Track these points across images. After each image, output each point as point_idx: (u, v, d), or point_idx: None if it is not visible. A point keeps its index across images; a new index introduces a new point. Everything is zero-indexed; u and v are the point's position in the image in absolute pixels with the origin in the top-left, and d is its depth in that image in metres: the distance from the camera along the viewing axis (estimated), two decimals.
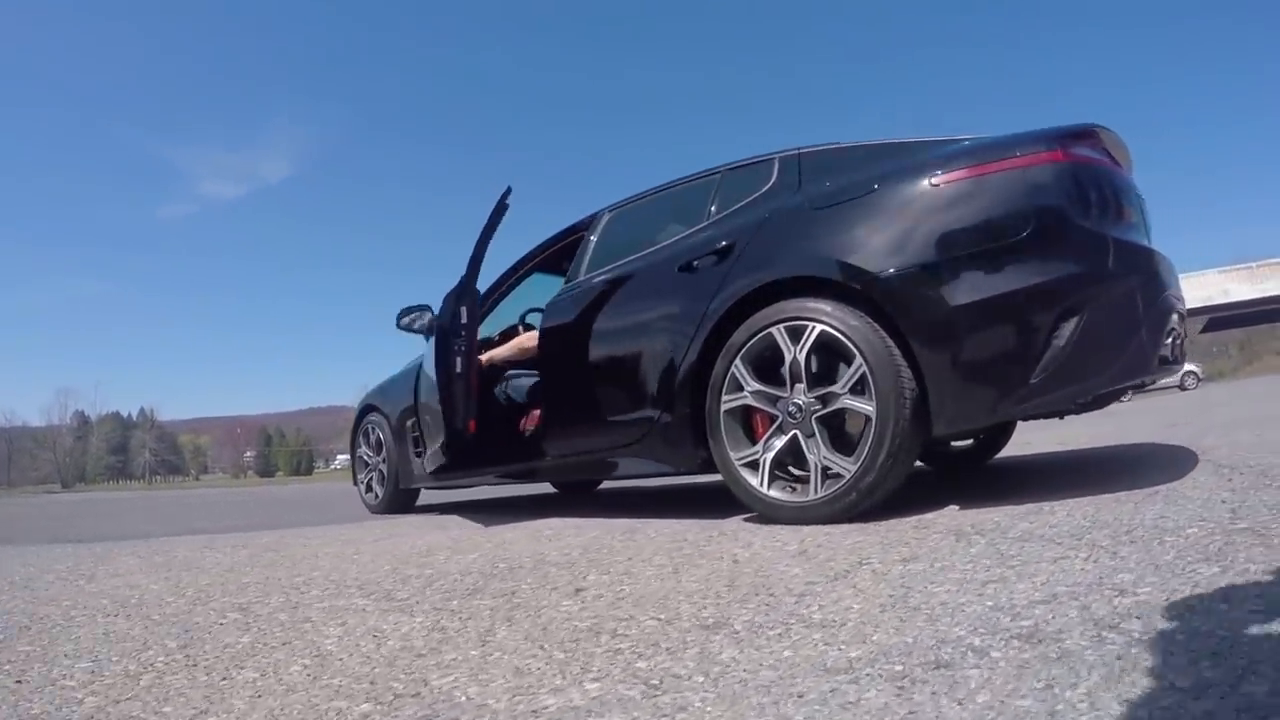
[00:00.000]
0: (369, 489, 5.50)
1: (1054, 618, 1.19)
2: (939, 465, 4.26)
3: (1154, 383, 2.75)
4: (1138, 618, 1.13)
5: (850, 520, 2.38)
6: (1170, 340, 2.37)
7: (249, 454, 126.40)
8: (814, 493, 2.48)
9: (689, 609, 1.55)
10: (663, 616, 1.51)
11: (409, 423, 4.89)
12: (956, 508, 2.40)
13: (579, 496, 5.31)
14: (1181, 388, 28.07)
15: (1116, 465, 3.19)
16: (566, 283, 3.83)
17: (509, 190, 3.63)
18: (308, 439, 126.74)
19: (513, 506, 4.80)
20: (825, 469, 2.46)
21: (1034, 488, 2.68)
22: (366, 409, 5.59)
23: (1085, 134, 2.48)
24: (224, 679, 1.39)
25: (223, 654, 1.55)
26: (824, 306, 2.51)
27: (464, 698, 1.19)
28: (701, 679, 1.15)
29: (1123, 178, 2.56)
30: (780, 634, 1.31)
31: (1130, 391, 3.22)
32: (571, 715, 1.07)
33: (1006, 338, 2.28)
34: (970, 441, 4.09)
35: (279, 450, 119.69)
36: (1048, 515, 2.03)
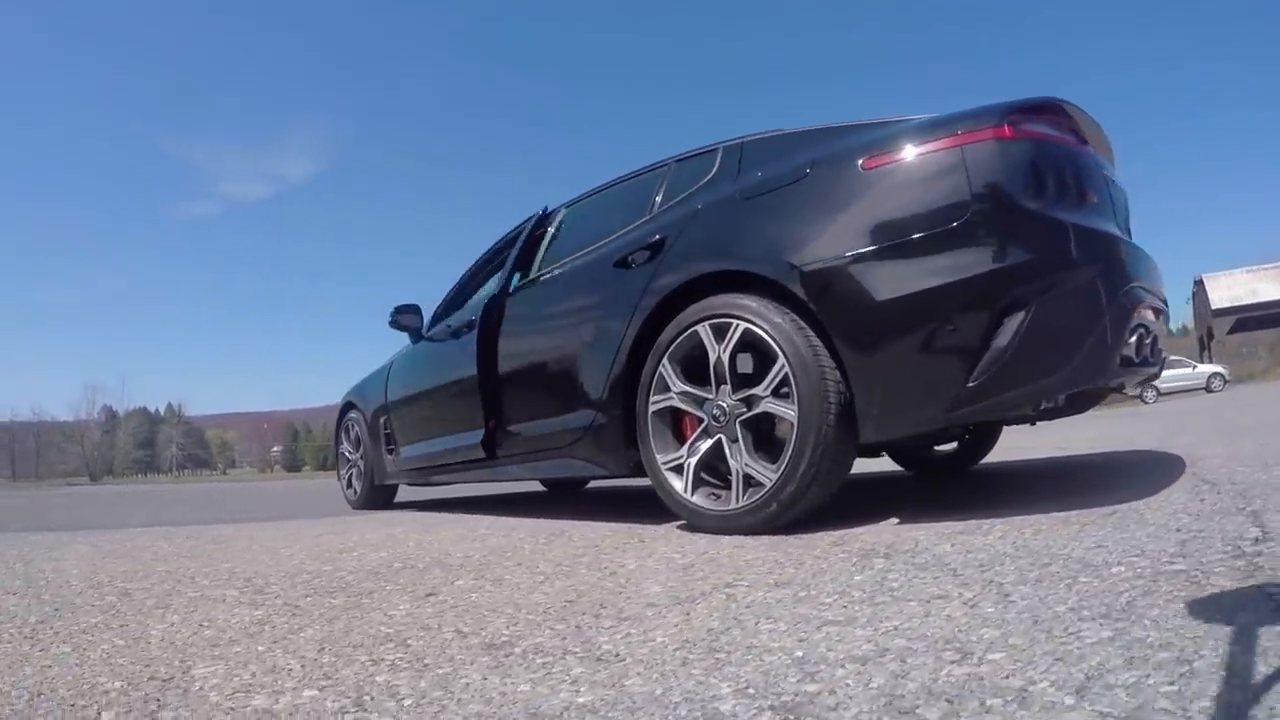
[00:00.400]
0: (349, 485, 5.59)
1: (841, 688, 0.97)
2: (920, 470, 4.08)
3: (1123, 387, 2.47)
4: (946, 701, 0.88)
5: (774, 532, 2.23)
6: (1136, 339, 2.12)
7: (276, 449, 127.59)
8: (735, 501, 2.34)
9: (501, 624, 1.51)
10: (469, 630, 1.48)
11: (382, 420, 4.93)
12: (896, 521, 2.24)
13: (567, 496, 5.19)
14: (1208, 389, 27.55)
15: (1096, 476, 3.00)
16: (519, 281, 3.76)
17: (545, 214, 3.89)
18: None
19: (485, 504, 4.71)
20: (748, 477, 2.31)
21: (992, 501, 2.49)
22: (347, 406, 5.67)
23: (1040, 109, 2.22)
24: (42, 650, 1.51)
25: (62, 630, 1.67)
26: (749, 303, 2.35)
27: (199, 687, 1.23)
28: (411, 701, 1.10)
29: (1087, 158, 2.31)
30: (544, 664, 1.22)
31: (1131, 390, 2.90)
32: (261, 718, 1.08)
33: (939, 336, 2.06)
34: (954, 446, 3.90)
35: (305, 446, 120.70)
36: (977, 537, 1.84)
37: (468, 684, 1.16)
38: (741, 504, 2.31)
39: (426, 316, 4.79)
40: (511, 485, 6.52)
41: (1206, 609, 1.06)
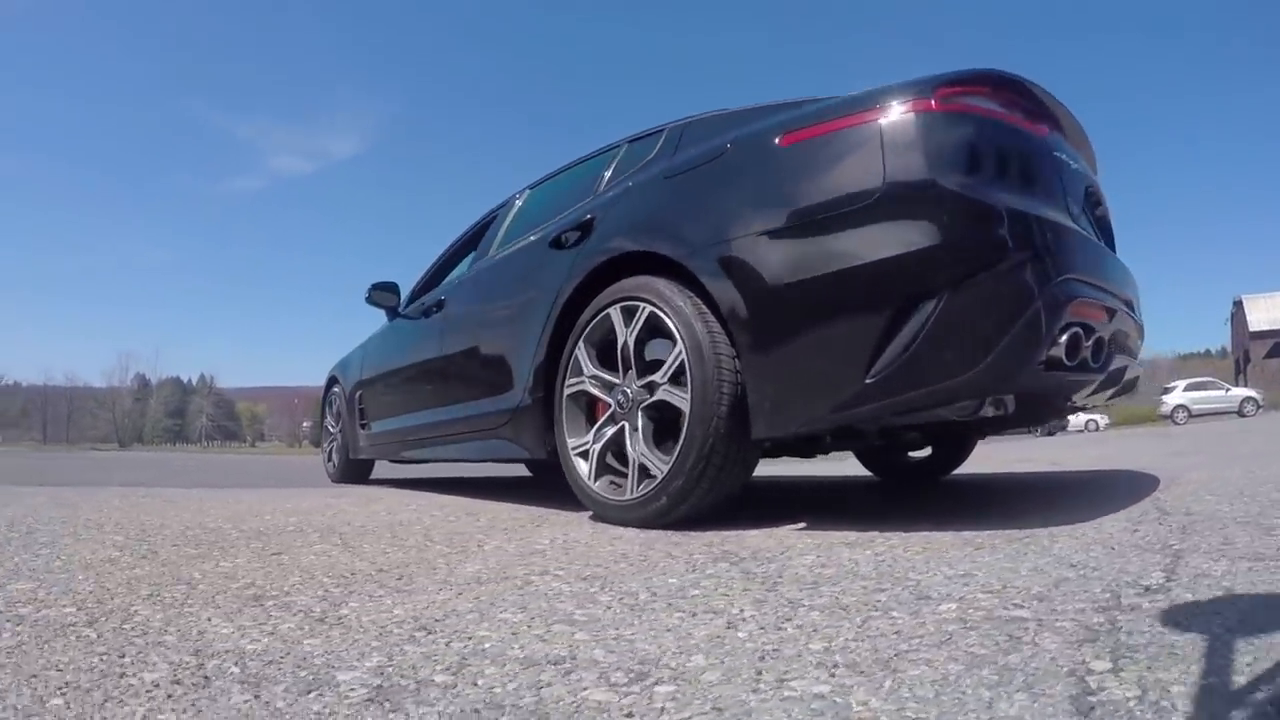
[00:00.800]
0: (329, 458, 5.71)
1: (437, 688, 0.92)
2: (889, 477, 3.93)
3: (1068, 397, 2.19)
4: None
5: (666, 526, 2.13)
6: (1069, 339, 1.81)
7: (305, 424, 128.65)
8: (630, 492, 2.23)
9: (295, 581, 1.57)
10: (260, 584, 1.55)
11: (357, 395, 5.01)
12: (802, 525, 2.11)
13: (547, 480, 5.09)
14: (1240, 414, 26.93)
15: (1055, 495, 2.81)
16: (473, 264, 3.82)
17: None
18: None
19: (458, 485, 4.64)
20: (643, 467, 2.21)
21: (923, 513, 2.35)
22: (331, 380, 5.79)
23: (977, 80, 2.01)
24: None
25: None
26: (658, 286, 2.24)
27: (11, 597, 1.40)
28: (140, 620, 1.25)
29: (1031, 138, 2.08)
30: (276, 617, 1.28)
31: (1098, 403, 2.62)
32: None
33: (836, 326, 1.90)
34: (927, 452, 3.75)
35: None
36: (853, 550, 1.68)
37: (198, 626, 1.23)
38: (635, 495, 2.20)
39: (405, 294, 4.81)
40: (500, 468, 6.52)
41: (976, 683, 0.84)
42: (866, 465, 4.11)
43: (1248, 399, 28.38)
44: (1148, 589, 1.17)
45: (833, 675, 0.89)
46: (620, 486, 2.30)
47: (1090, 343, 1.86)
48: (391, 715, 0.84)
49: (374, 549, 1.97)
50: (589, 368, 2.45)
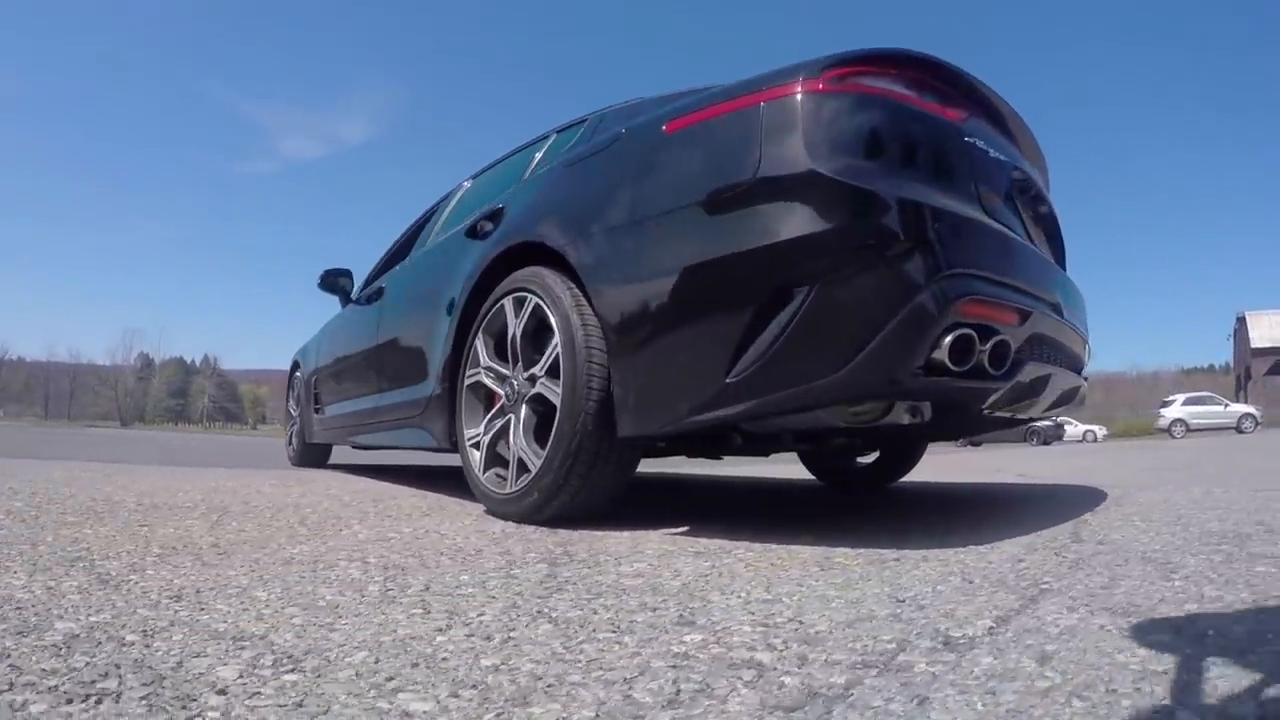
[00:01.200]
0: (290, 442, 5.80)
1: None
2: (832, 482, 3.83)
3: (979, 406, 1.95)
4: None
5: (545, 523, 2.09)
6: (955, 341, 1.63)
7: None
8: (510, 485, 2.18)
9: (135, 549, 1.68)
10: (95, 551, 1.63)
11: (313, 379, 5.07)
12: (685, 529, 2.03)
13: None
14: (1239, 429, 26.76)
15: (989, 510, 2.73)
16: (413, 253, 3.84)
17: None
18: None
19: (406, 473, 4.52)
20: (522, 461, 2.16)
21: (832, 525, 2.25)
22: (295, 365, 5.87)
23: (879, 60, 1.88)
24: None
25: None
26: (544, 276, 2.19)
27: None
28: None
29: (939, 123, 1.94)
30: (58, 577, 1.40)
31: (1020, 415, 2.46)
32: None
33: (698, 322, 1.80)
34: (874, 457, 3.64)
35: None
36: (701, 560, 1.59)
37: (4, 579, 1.34)
38: (513, 490, 2.16)
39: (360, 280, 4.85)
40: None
41: None
42: (809, 469, 4.01)
43: (1246, 415, 28.17)
44: (949, 642, 0.99)
45: (454, 696, 0.84)
46: (504, 479, 2.26)
47: (988, 347, 1.70)
48: (57, 657, 0.93)
49: (235, 527, 2.02)
50: (484, 359, 2.43)
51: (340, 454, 5.90)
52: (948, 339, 1.63)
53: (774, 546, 1.76)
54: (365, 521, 2.18)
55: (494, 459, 2.34)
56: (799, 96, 1.79)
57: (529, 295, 2.24)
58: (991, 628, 1.05)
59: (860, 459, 3.72)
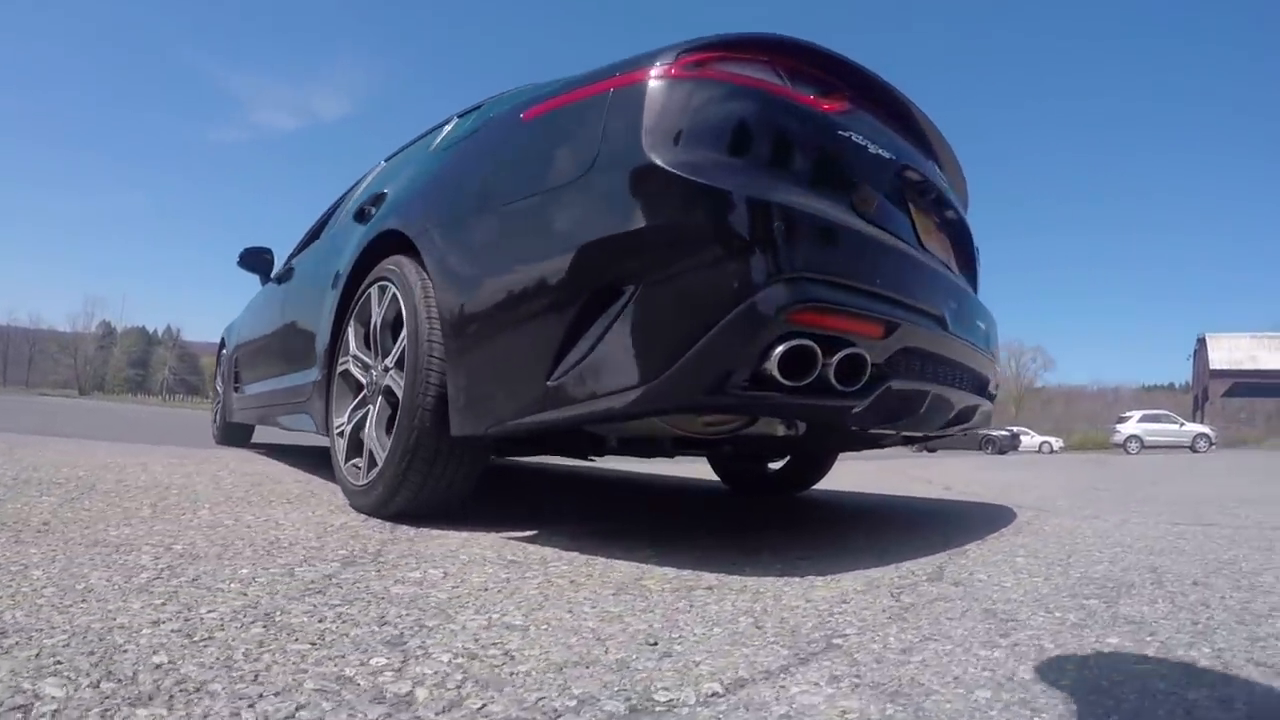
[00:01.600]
0: (214, 420, 5.81)
1: None
2: (738, 488, 3.68)
3: (840, 425, 1.80)
4: None
5: (389, 518, 2.03)
6: (788, 352, 1.48)
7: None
8: (362, 478, 2.11)
9: None
10: None
11: (234, 358, 5.01)
12: (533, 533, 1.91)
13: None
14: (1193, 449, 27.16)
15: (882, 529, 2.62)
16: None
17: None
18: None
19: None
20: (372, 453, 2.09)
21: (697, 539, 2.11)
22: (222, 341, 5.74)
23: (742, 46, 1.74)
24: None
25: None
26: (404, 265, 2.11)
27: None
28: None
29: (810, 115, 1.78)
30: None
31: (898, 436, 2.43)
32: None
33: (524, 320, 1.71)
34: (782, 463, 3.50)
35: None
36: (506, 571, 1.44)
37: None
38: (364, 482, 2.08)
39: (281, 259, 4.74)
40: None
41: None
42: (717, 473, 3.87)
43: (1201, 435, 28.65)
44: (639, 709, 0.84)
45: (94, 688, 0.83)
46: (360, 471, 2.17)
47: (835, 360, 1.56)
48: None
49: (85, 506, 2.02)
50: (353, 347, 2.36)
51: (269, 434, 5.81)
52: (779, 350, 1.49)
53: (600, 560, 1.66)
54: (218, 506, 2.14)
55: (355, 449, 2.26)
56: (648, 83, 1.67)
57: (389, 285, 2.16)
58: (713, 695, 0.90)
59: (771, 465, 3.58)
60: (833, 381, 1.56)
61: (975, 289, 2.68)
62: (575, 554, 1.72)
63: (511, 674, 0.94)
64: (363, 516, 2.07)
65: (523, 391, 1.69)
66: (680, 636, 1.13)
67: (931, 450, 21.87)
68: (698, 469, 5.44)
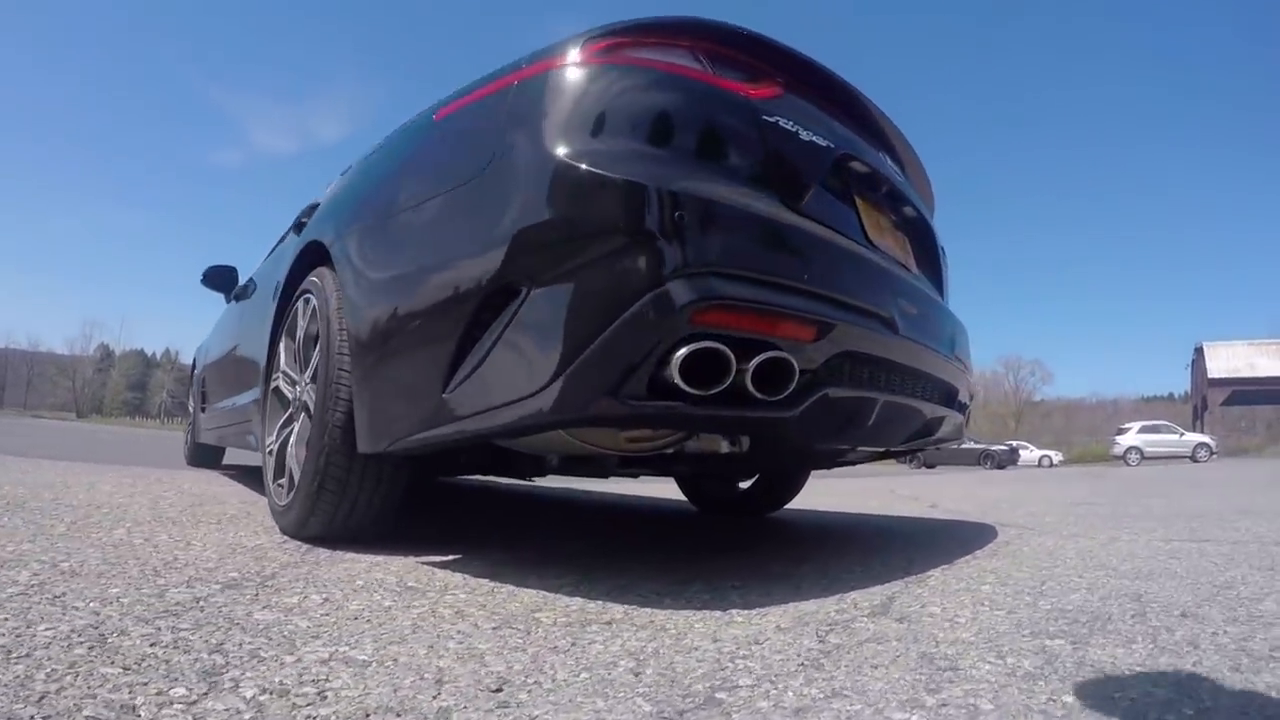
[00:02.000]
0: (186, 441, 5.73)
1: None
2: (705, 508, 3.46)
3: (796, 440, 1.72)
4: None
5: (308, 540, 1.90)
6: (687, 355, 1.30)
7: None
8: (283, 498, 1.99)
9: None
10: None
11: (202, 378, 4.93)
12: (445, 559, 1.72)
13: None
14: (1193, 459, 26.85)
15: (854, 551, 2.39)
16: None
17: None
18: None
19: None
20: (292, 472, 1.99)
21: (633, 571, 1.88)
22: (194, 361, 5.67)
23: (657, 30, 1.59)
24: None
25: None
26: (325, 277, 2.01)
27: None
28: None
29: (733, 103, 1.62)
30: None
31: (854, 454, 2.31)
32: None
33: (420, 329, 1.60)
34: (751, 483, 3.28)
35: None
36: (396, 599, 1.26)
37: None
38: (284, 502, 1.97)
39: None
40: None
41: None
42: (684, 493, 3.65)
43: (1201, 445, 28.29)
44: None
45: None
46: (282, 491, 2.06)
47: (754, 365, 1.35)
48: None
49: (5, 521, 1.98)
50: (282, 363, 2.27)
51: (243, 456, 5.62)
52: (681, 353, 1.30)
53: (506, 589, 1.51)
54: (139, 526, 2.04)
55: (280, 468, 2.14)
56: (550, 73, 1.56)
57: (311, 298, 2.09)
58: None
59: (740, 484, 3.37)
60: (750, 389, 1.36)
61: (942, 293, 2.46)
62: (485, 580, 1.58)
63: (308, 718, 0.83)
64: (283, 538, 1.95)
65: (419, 405, 1.55)
66: (535, 683, 0.97)
67: (930, 466, 21.64)
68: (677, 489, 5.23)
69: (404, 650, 1.08)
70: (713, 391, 1.32)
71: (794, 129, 1.69)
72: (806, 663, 1.07)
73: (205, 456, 5.27)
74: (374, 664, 1.02)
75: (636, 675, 1.00)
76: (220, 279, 4.62)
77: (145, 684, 0.89)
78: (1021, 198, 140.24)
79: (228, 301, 4.59)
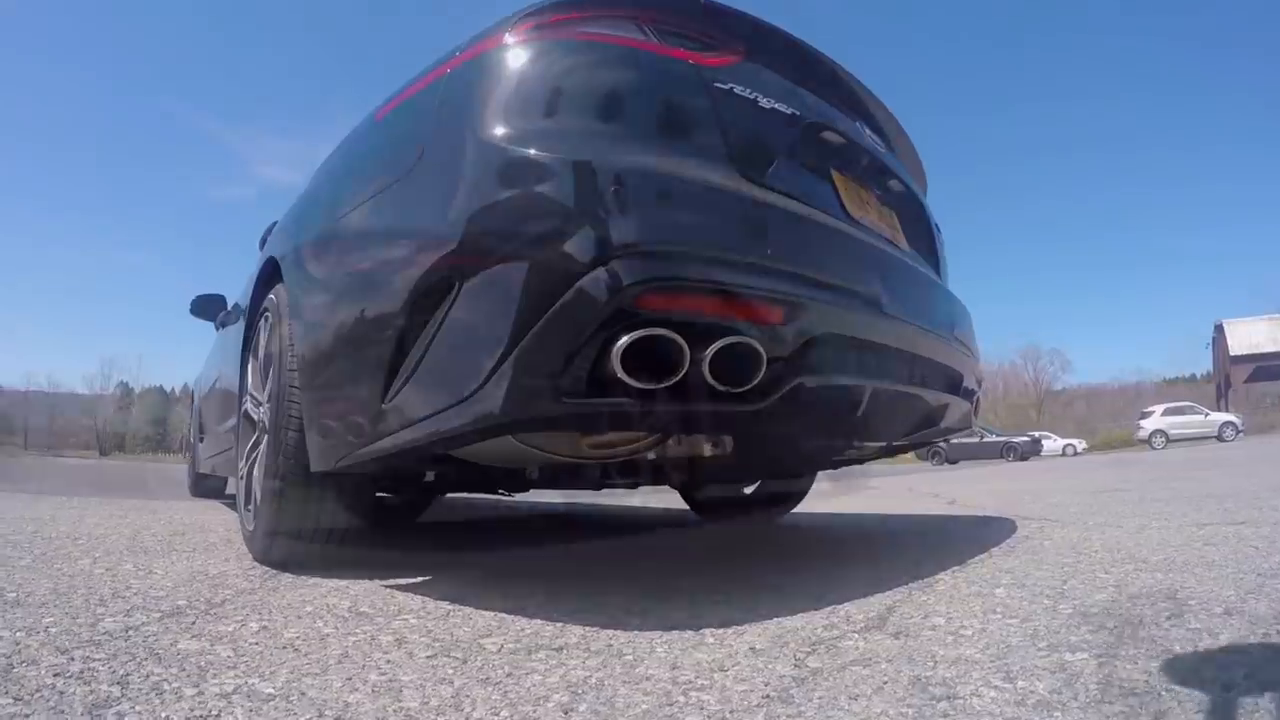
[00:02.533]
0: (189, 472, 5.58)
1: None
2: (707, 514, 3.30)
3: (783, 438, 1.60)
4: None
5: (275, 566, 1.81)
6: (629, 344, 1.16)
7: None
8: (250, 523, 1.90)
9: None
10: None
11: (199, 408, 4.83)
12: (413, 581, 1.61)
13: None
14: (1219, 438, 26.36)
15: (857, 557, 2.23)
16: None
17: None
18: None
19: None
20: (256, 496, 1.89)
21: (606, 586, 1.71)
22: (193, 394, 5.64)
23: (591, 3, 1.49)
24: None
25: None
26: (281, 292, 1.92)
27: None
28: None
29: (681, 72, 1.48)
30: None
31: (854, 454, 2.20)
32: None
33: (358, 337, 1.50)
34: (752, 488, 3.11)
35: None
36: (317, 627, 1.14)
37: None
38: (251, 527, 1.88)
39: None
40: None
41: None
42: (685, 500, 3.47)
43: (1227, 424, 27.77)
44: None
45: None
46: (250, 515, 1.96)
47: (711, 353, 1.19)
48: None
49: None
50: (250, 384, 2.18)
51: None
52: (622, 342, 1.15)
53: (463, 611, 1.41)
54: (107, 556, 1.97)
55: (249, 493, 2.05)
56: (480, 57, 1.47)
57: (269, 315, 2.02)
58: None
59: (744, 490, 3.19)
60: (710, 380, 1.20)
61: (939, 273, 2.28)
62: (444, 603, 1.47)
63: None
64: (253, 565, 1.87)
65: (362, 418, 1.44)
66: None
67: (953, 462, 21.35)
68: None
69: (317, 683, 0.98)
70: (664, 385, 1.16)
71: (752, 96, 1.54)
72: (773, 694, 0.90)
73: (208, 487, 5.19)
74: (278, 698, 0.92)
75: (566, 713, 0.85)
76: (209, 307, 4.51)
77: (28, 715, 0.85)
78: (1029, 186, 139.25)
79: (216, 330, 4.48)
